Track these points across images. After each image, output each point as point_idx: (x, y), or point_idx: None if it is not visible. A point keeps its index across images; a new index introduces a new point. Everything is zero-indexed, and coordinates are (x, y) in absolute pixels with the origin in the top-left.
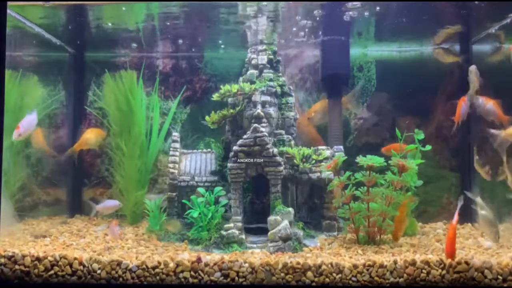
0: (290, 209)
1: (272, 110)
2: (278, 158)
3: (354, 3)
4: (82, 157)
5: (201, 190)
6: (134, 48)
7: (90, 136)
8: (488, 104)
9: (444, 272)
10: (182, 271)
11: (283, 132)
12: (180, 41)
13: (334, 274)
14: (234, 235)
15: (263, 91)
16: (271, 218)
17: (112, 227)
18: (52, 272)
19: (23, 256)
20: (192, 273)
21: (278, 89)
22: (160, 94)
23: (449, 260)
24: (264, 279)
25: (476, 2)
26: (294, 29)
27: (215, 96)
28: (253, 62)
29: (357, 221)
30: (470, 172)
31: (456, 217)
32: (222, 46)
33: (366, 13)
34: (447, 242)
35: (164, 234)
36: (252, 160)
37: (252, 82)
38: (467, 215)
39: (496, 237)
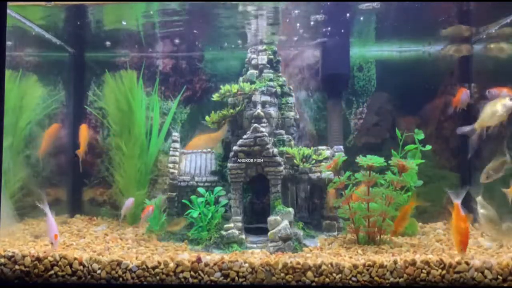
0: (290, 209)
1: (272, 110)
2: (278, 158)
3: (367, 4)
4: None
5: (201, 190)
6: (131, 49)
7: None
8: (502, 92)
9: (444, 272)
10: (182, 271)
11: (283, 132)
12: (180, 41)
13: (334, 274)
14: (234, 235)
15: (263, 91)
16: (271, 218)
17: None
18: (52, 272)
19: (23, 256)
20: (192, 273)
21: (278, 89)
22: (160, 94)
23: (450, 260)
24: (264, 279)
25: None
26: (295, 29)
27: (215, 96)
28: (253, 62)
29: (357, 221)
30: (470, 172)
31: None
32: (222, 46)
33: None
34: (459, 234)
35: (164, 234)
36: (252, 160)
37: (252, 82)
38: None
39: (498, 234)
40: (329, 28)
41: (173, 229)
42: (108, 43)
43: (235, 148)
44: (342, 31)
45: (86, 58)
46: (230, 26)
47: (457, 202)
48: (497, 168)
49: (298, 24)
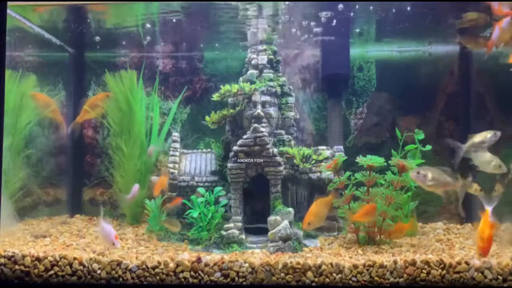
0: (290, 209)
1: (272, 110)
2: (278, 158)
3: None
4: (82, 157)
5: (201, 190)
6: (133, 48)
7: (94, 102)
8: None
9: (444, 272)
10: (182, 271)
11: (283, 132)
12: (180, 41)
13: (334, 274)
14: (234, 235)
15: (263, 91)
16: (271, 218)
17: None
18: (52, 272)
19: (23, 256)
20: (192, 273)
21: (278, 89)
22: (160, 94)
23: (450, 260)
24: (264, 279)
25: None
26: (294, 29)
27: (215, 96)
28: (253, 62)
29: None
30: (470, 172)
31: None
32: (222, 46)
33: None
34: (481, 240)
35: (164, 234)
36: (252, 160)
37: (252, 82)
38: (467, 215)
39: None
40: (329, 28)
41: (169, 228)
42: (97, 38)
43: (235, 148)
44: (342, 30)
45: (86, 58)
46: (230, 25)
47: (489, 208)
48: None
49: (298, 24)
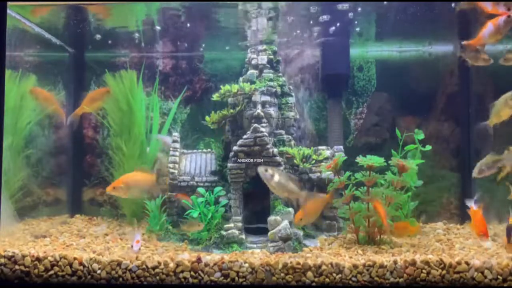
0: (290, 209)
1: (272, 110)
2: (278, 158)
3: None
4: (82, 157)
5: (201, 190)
6: (133, 48)
7: (94, 96)
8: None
9: (444, 272)
10: (182, 271)
11: (283, 132)
12: (180, 41)
13: (334, 274)
14: (234, 235)
15: (263, 91)
16: (271, 218)
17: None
18: (52, 272)
19: (23, 256)
20: (192, 273)
21: (278, 89)
22: (160, 94)
23: (450, 260)
24: (264, 279)
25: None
26: (295, 29)
27: (215, 96)
28: (253, 62)
29: (357, 221)
30: (470, 172)
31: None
32: (222, 46)
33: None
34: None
35: (164, 234)
36: (252, 160)
37: (252, 82)
38: (467, 216)
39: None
40: (329, 28)
41: (189, 230)
42: (98, 36)
43: (235, 148)
44: (342, 31)
45: (86, 58)
46: (230, 26)
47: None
48: (490, 164)
49: (298, 24)
